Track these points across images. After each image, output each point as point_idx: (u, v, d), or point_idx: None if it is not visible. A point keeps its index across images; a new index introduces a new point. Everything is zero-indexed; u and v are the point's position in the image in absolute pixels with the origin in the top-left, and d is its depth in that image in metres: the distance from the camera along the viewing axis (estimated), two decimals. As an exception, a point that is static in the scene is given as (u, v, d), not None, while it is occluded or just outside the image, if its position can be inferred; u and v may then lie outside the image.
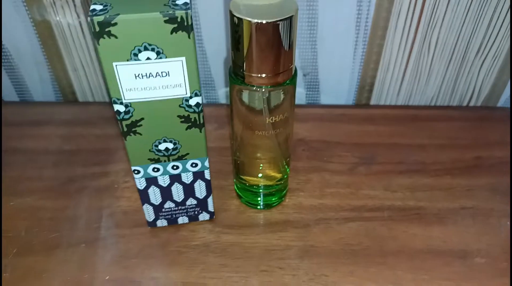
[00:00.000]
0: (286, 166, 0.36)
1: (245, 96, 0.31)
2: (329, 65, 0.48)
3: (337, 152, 0.43)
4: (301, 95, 0.50)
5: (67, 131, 0.46)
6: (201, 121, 0.29)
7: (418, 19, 0.44)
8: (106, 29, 0.24)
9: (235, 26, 0.27)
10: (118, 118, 0.28)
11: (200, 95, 0.28)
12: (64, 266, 0.33)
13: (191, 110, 0.28)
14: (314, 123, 0.46)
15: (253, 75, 0.29)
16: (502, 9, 0.42)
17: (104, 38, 0.24)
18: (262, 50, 0.28)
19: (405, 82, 0.49)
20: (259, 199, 0.37)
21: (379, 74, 0.48)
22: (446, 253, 0.35)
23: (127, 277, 0.33)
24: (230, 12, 0.27)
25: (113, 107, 0.27)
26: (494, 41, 0.45)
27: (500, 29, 0.44)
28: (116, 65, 0.25)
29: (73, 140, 0.44)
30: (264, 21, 0.26)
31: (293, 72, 0.30)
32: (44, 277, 0.33)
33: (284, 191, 0.38)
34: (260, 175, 0.36)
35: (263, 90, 0.29)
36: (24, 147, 0.44)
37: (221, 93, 0.50)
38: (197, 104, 0.28)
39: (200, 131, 0.30)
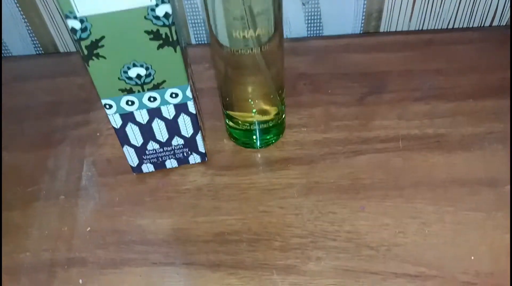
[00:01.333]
0: (280, 100, 0.31)
1: (222, 5, 0.26)
2: (330, -10, 0.42)
3: (343, 83, 0.38)
4: (301, 26, 0.45)
5: (48, 84, 0.42)
6: (174, 38, 0.25)
7: None
8: None
9: None
10: (75, 37, 0.24)
11: (169, 3, 0.23)
12: (42, 220, 0.30)
13: (160, 22, 0.24)
14: (316, 55, 0.41)
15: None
16: None
17: None
18: None
19: (417, 4, 0.43)
20: (254, 137, 0.33)
21: (387, -3, 0.43)
22: (472, 182, 0.30)
23: (111, 226, 0.30)
24: None
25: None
26: None
27: None
28: (60, -35, 0.21)
29: (55, 92, 0.41)
30: None
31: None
32: (20, 232, 0.30)
33: (281, 128, 0.34)
34: (253, 110, 0.32)
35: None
36: (4, 103, 0.40)
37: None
38: (166, 15, 0.24)
39: (175, 51, 0.26)
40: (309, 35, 0.46)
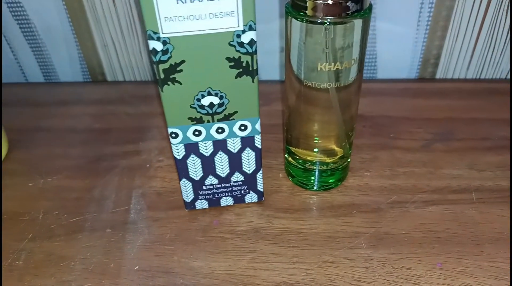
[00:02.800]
0: (347, 143, 0.30)
1: (305, 34, 0.25)
2: (389, 34, 0.41)
3: (405, 128, 0.36)
4: (355, 69, 0.44)
5: (97, 110, 0.41)
6: (255, 67, 0.24)
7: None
8: None
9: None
10: (154, 59, 0.23)
11: (255, 30, 0.22)
12: (87, 253, 0.28)
13: (243, 50, 0.23)
14: (373, 98, 0.40)
15: (317, 1, 0.23)
16: None
17: None
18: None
19: (476, 52, 0.42)
20: (313, 178, 0.31)
21: (446, 43, 0.42)
22: (560, 242, 0.27)
23: (161, 266, 0.27)
24: None
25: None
26: None
27: None
28: (153, -16, 0.20)
29: (104, 119, 0.40)
30: None
31: (367, 4, 0.24)
32: (63, 265, 0.27)
33: (345, 174, 0.32)
34: (315, 150, 0.30)
35: (328, 23, 0.23)
36: (50, 126, 0.39)
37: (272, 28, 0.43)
38: (251, 42, 0.23)
39: (253, 81, 0.24)
40: (364, 77, 0.45)
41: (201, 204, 0.30)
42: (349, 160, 0.31)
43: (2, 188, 0.33)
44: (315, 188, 0.31)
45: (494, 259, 0.27)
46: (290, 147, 0.31)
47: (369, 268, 0.26)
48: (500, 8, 0.39)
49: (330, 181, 0.31)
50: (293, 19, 0.24)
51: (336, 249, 0.27)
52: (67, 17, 0.42)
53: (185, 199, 0.29)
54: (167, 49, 0.22)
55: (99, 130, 0.38)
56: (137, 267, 0.27)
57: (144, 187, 0.32)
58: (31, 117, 0.40)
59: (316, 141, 0.29)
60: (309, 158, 0.30)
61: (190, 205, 0.30)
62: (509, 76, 0.44)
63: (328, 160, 0.30)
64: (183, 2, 0.21)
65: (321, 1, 0.23)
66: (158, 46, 0.22)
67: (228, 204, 0.30)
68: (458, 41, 0.41)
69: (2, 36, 0.43)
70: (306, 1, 0.23)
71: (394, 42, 0.42)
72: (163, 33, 0.22)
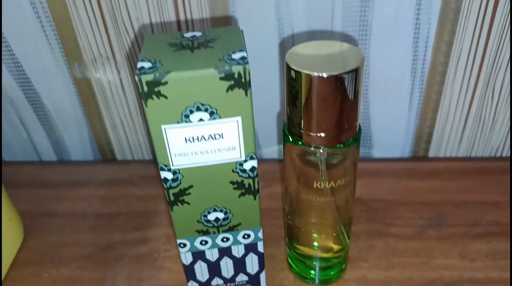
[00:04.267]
0: (346, 236, 0.32)
1: (302, 158, 0.27)
2: (383, 115, 0.44)
3: (400, 213, 0.38)
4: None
5: (106, 192, 0.43)
6: (256, 187, 0.26)
7: (480, 62, 0.40)
8: (156, 89, 0.21)
9: (292, 80, 0.24)
10: (165, 186, 0.25)
11: (256, 159, 0.25)
12: None
13: (245, 175, 0.25)
14: (370, 179, 0.42)
15: (311, 134, 0.25)
16: None
17: (152, 99, 0.22)
18: (323, 106, 0.24)
19: (466, 131, 0.45)
20: (313, 272, 0.33)
21: (437, 123, 0.44)
22: None
23: None
24: (286, 64, 0.24)
25: (159, 173, 0.24)
26: None
27: None
28: (165, 129, 0.23)
29: (113, 202, 0.42)
30: (325, 75, 0.23)
31: (356, 130, 0.26)
32: None
33: (344, 265, 0.33)
34: (315, 244, 0.32)
35: (321, 151, 0.26)
36: (61, 210, 0.41)
37: (273, 151, 0.47)
38: (253, 168, 0.25)
39: (255, 199, 0.26)
40: (359, 156, 0.47)
41: (207, 300, 0.32)
42: (347, 252, 0.33)
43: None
44: (316, 282, 0.33)
45: None
46: (292, 243, 0.32)
47: None
48: (486, 91, 0.41)
49: (331, 273, 0.33)
50: (289, 143, 0.27)
51: None
52: (79, 101, 0.44)
53: (192, 296, 0.31)
54: (177, 177, 0.24)
55: (108, 215, 0.40)
56: None
57: (153, 280, 0.34)
58: (44, 200, 0.42)
59: (315, 237, 0.31)
60: (310, 253, 0.32)
61: (197, 302, 0.31)
62: (498, 154, 0.46)
63: (328, 255, 0.32)
64: (191, 142, 0.23)
65: (314, 134, 0.25)
66: (169, 176, 0.24)
67: (233, 299, 0.32)
68: (448, 121, 0.44)
69: (15, 115, 0.46)
70: (301, 132, 0.25)
71: (388, 123, 0.44)
72: (173, 166, 0.24)
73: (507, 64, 0.40)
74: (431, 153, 0.46)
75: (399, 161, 0.45)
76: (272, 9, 0.38)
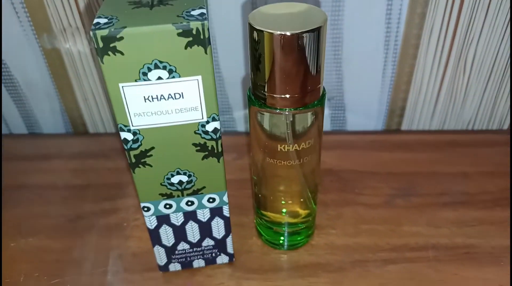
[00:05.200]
0: (313, 202, 0.32)
1: (267, 121, 0.27)
2: (356, 88, 0.44)
3: (370, 183, 0.39)
4: (325, 121, 0.46)
5: (77, 165, 0.42)
6: (219, 150, 0.26)
7: (452, 36, 0.40)
8: (111, 45, 0.21)
9: (255, 42, 0.24)
10: (126, 147, 0.24)
11: (218, 120, 0.24)
12: (65, 318, 0.29)
13: (208, 137, 0.25)
14: (342, 151, 0.42)
15: (275, 95, 0.25)
16: (547, 22, 0.39)
17: (108, 55, 0.21)
18: (286, 67, 0.24)
19: (439, 104, 0.45)
20: (282, 238, 0.33)
21: (410, 97, 0.44)
22: (508, 301, 0.29)
23: (136, 331, 0.28)
24: (249, 24, 0.24)
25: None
26: (539, 58, 0.41)
27: (545, 44, 0.40)
28: (122, 87, 0.22)
29: (83, 174, 0.41)
30: (288, 33, 0.23)
31: (321, 92, 0.26)
32: (41, 331, 0.29)
33: (311, 230, 0.34)
34: (284, 211, 0.32)
35: (287, 113, 0.26)
36: (31, 183, 0.41)
37: (239, 116, 0.46)
38: (215, 130, 0.25)
39: (218, 161, 0.26)
40: (332, 129, 0.47)
41: (174, 266, 0.32)
42: (314, 218, 0.33)
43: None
44: (285, 248, 0.33)
45: (446, 318, 0.29)
46: (261, 210, 0.33)
47: (331, 330, 0.28)
48: (458, 65, 0.42)
49: (298, 238, 0.33)
50: (253, 106, 0.27)
51: (301, 310, 0.29)
52: (49, 73, 0.43)
53: (158, 263, 0.31)
54: (137, 138, 0.24)
55: (79, 187, 0.40)
56: (113, 332, 0.28)
57: (121, 248, 0.34)
58: (14, 173, 0.42)
59: (283, 203, 0.31)
60: (278, 220, 0.32)
61: (164, 268, 0.32)
62: (470, 127, 0.47)
63: (296, 220, 0.32)
64: (150, 101, 0.23)
65: (278, 96, 0.25)
66: (129, 136, 0.24)
67: (200, 266, 0.32)
68: (421, 94, 0.44)
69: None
70: (265, 94, 0.25)
71: (362, 96, 0.44)
72: (133, 126, 0.24)
73: (478, 38, 0.40)
74: (404, 127, 0.47)
75: (372, 133, 0.45)
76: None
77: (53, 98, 0.45)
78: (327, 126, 0.47)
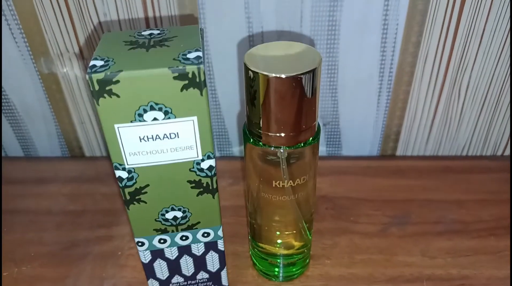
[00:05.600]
0: (308, 233, 0.32)
1: (262, 158, 0.27)
2: (351, 114, 0.44)
3: (365, 210, 0.39)
4: (321, 146, 0.47)
5: (72, 189, 0.42)
6: (214, 186, 0.26)
7: (447, 63, 0.40)
8: (107, 88, 0.21)
9: (250, 81, 0.24)
10: (120, 185, 0.24)
11: (214, 158, 0.25)
12: None
13: (203, 174, 0.25)
14: (337, 177, 0.43)
15: (270, 134, 0.25)
16: (539, 52, 0.39)
17: (104, 97, 0.21)
18: (281, 107, 0.24)
19: (434, 130, 0.45)
20: (277, 269, 0.33)
21: (405, 122, 0.45)
22: (502, 335, 0.29)
23: None
24: (245, 65, 0.24)
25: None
26: (531, 86, 0.42)
27: (538, 73, 0.41)
28: (118, 127, 0.22)
29: (79, 200, 0.41)
30: (283, 76, 0.23)
31: (316, 129, 0.27)
32: None
33: (307, 261, 0.34)
34: (279, 242, 0.32)
35: (282, 150, 0.26)
36: (26, 207, 0.40)
37: (235, 150, 0.47)
38: (210, 167, 0.25)
39: (213, 197, 0.26)
40: (328, 154, 0.47)
41: (169, 298, 0.31)
42: (309, 249, 0.33)
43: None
44: (280, 279, 0.33)
45: None
46: (255, 241, 0.33)
47: None
48: (452, 91, 0.42)
49: (293, 270, 0.33)
50: (249, 143, 0.27)
51: None
52: (45, 97, 0.44)
53: (153, 295, 0.31)
54: (132, 176, 0.24)
55: (74, 213, 0.40)
56: None
57: (115, 278, 0.34)
58: (9, 197, 0.41)
59: (278, 234, 0.31)
60: (273, 251, 0.32)
61: (159, 300, 0.31)
62: (464, 153, 0.47)
63: (290, 252, 0.32)
64: (146, 141, 0.23)
65: (273, 134, 0.25)
66: (124, 174, 0.24)
67: (195, 297, 0.32)
68: (416, 120, 0.44)
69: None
70: (260, 132, 0.26)
71: (357, 122, 0.45)
72: (128, 165, 0.24)
73: (473, 64, 0.40)
74: (399, 152, 0.47)
75: (366, 159, 0.45)
76: (241, 8, 0.37)
77: (50, 122, 0.46)
78: (322, 151, 0.47)
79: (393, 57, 0.40)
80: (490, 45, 0.39)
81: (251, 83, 0.24)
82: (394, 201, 0.40)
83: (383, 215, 0.38)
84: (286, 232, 0.31)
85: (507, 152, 0.47)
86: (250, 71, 0.24)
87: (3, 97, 0.44)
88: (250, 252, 0.35)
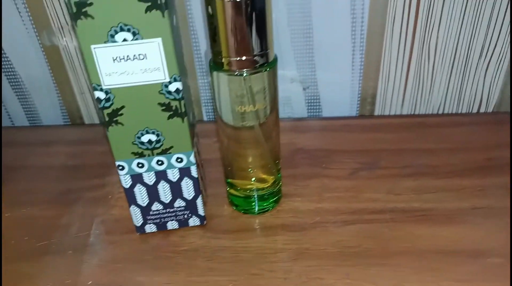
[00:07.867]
0: (277, 167, 0.35)
1: (227, 85, 0.30)
2: (328, 78, 0.47)
3: (338, 158, 0.41)
4: (302, 109, 0.49)
5: (72, 149, 0.46)
6: (183, 110, 0.29)
7: (414, 23, 0.43)
8: (83, 10, 0.25)
9: (209, 10, 0.27)
10: (99, 106, 0.28)
11: (180, 81, 0.28)
12: (49, 272, 0.32)
13: (171, 96, 0.28)
14: (315, 133, 0.45)
15: (231, 59, 0.29)
16: (500, 8, 0.42)
17: (81, 19, 0.25)
18: (237, 30, 0.27)
19: (408, 91, 0.48)
20: (253, 203, 0.36)
21: (380, 85, 0.48)
22: (456, 254, 0.31)
23: (111, 281, 0.31)
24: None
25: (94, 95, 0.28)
26: (496, 43, 0.44)
27: (500, 29, 0.43)
28: (94, 48, 0.26)
29: (78, 157, 0.45)
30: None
31: (272, 57, 0.30)
32: (27, 282, 0.32)
33: (278, 196, 0.36)
34: (253, 179, 0.35)
35: (244, 74, 0.29)
36: (30, 164, 0.44)
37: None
38: (177, 90, 0.28)
39: (183, 121, 0.29)
40: (309, 116, 0.50)
41: (150, 228, 0.34)
42: (280, 184, 0.36)
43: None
44: (255, 212, 0.36)
45: (397, 269, 0.31)
46: (230, 180, 0.36)
47: (288, 279, 0.30)
48: (422, 51, 0.45)
49: (265, 204, 0.36)
50: (215, 73, 0.30)
51: (262, 263, 0.32)
52: (48, 68, 0.48)
53: (135, 224, 0.34)
54: (109, 97, 0.28)
55: (72, 167, 0.43)
56: (90, 282, 0.31)
57: (104, 215, 0.37)
58: (15, 157, 0.45)
59: (251, 172, 0.34)
60: (248, 186, 0.35)
61: (140, 229, 0.34)
62: (440, 111, 0.49)
63: (263, 185, 0.35)
64: (118, 61, 0.27)
65: (234, 58, 0.28)
66: (102, 95, 0.28)
67: (174, 228, 0.35)
68: (390, 81, 0.47)
69: (-8, 87, 0.49)
70: (223, 59, 0.29)
71: (334, 85, 0.48)
72: (104, 85, 0.27)
73: (439, 25, 0.43)
74: (376, 113, 0.49)
75: (345, 119, 0.48)
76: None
77: (52, 92, 0.50)
78: (304, 113, 0.50)
79: (363, 19, 0.43)
80: (453, 4, 0.42)
81: (210, 12, 0.27)
82: (367, 150, 0.42)
83: (354, 162, 0.41)
84: (256, 168, 0.34)
85: (482, 110, 0.49)
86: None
87: (11, 70, 0.48)
88: (228, 195, 0.37)
